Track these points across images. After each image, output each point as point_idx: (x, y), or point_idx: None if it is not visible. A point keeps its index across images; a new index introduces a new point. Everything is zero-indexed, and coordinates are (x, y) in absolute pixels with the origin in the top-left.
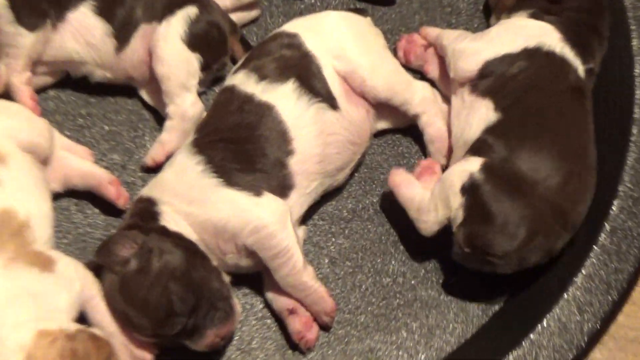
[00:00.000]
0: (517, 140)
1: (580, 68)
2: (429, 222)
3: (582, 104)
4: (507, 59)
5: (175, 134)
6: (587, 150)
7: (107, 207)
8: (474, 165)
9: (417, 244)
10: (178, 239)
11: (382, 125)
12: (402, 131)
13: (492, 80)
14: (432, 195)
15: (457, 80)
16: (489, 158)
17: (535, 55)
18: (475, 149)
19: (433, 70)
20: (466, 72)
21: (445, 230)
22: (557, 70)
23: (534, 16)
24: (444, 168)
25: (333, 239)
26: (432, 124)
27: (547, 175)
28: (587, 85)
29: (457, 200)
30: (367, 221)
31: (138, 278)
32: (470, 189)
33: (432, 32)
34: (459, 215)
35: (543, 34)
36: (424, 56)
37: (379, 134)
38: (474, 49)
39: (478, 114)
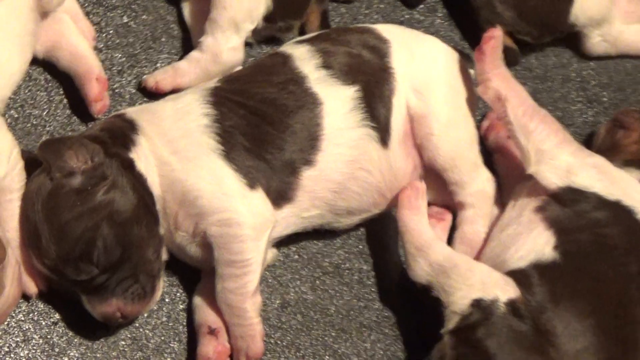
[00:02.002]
0: (565, 295)
1: None
2: (423, 268)
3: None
4: (596, 201)
5: (196, 70)
6: (637, 346)
7: (78, 105)
8: (504, 292)
9: (386, 342)
10: (139, 183)
11: None
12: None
13: (567, 212)
14: (442, 258)
15: (530, 184)
16: (525, 297)
17: (624, 216)
18: (515, 279)
19: (503, 164)
20: (546, 182)
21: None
22: (637, 250)
23: None
24: None
25: (298, 283)
26: (473, 224)
27: (582, 349)
28: None
29: (461, 307)
30: (345, 285)
31: (73, 198)
32: (484, 313)
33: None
34: (452, 321)
35: None
36: (504, 143)
37: None
38: (568, 165)
39: (532, 242)
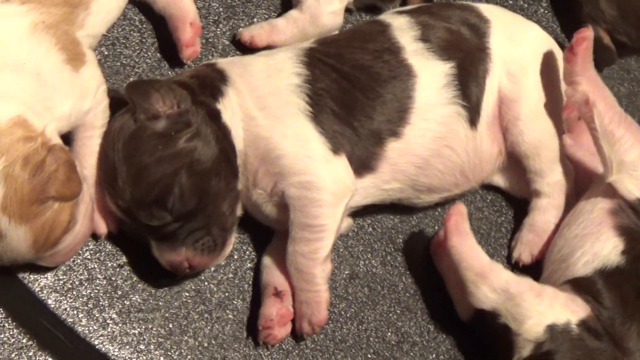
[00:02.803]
0: (632, 296)
1: None
2: (487, 295)
3: None
4: None
5: (293, 29)
6: None
7: (169, 50)
8: (575, 314)
9: (454, 335)
10: (222, 135)
11: (498, 180)
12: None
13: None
14: (507, 284)
15: (606, 184)
16: (596, 311)
17: None
18: (580, 286)
19: (576, 149)
20: (625, 193)
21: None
22: None
23: None
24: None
25: (369, 256)
26: (546, 213)
27: None
28: None
29: (535, 335)
30: (416, 265)
31: (154, 142)
32: (558, 339)
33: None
34: (526, 349)
35: None
36: (577, 124)
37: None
38: None
39: (599, 246)
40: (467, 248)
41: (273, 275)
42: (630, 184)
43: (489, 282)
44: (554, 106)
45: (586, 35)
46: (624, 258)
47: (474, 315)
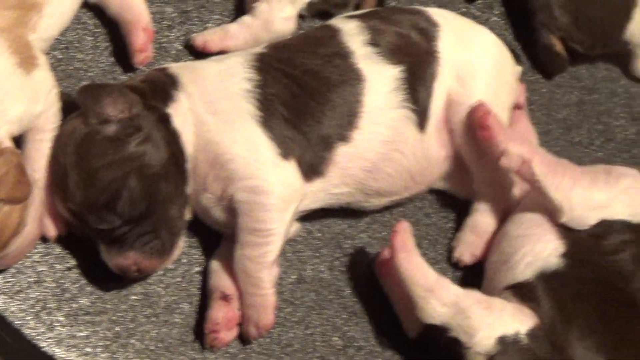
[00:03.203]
0: (570, 301)
1: None
2: (437, 310)
3: None
4: (620, 226)
5: (245, 35)
6: None
7: (122, 55)
8: (523, 323)
9: (400, 341)
10: (173, 139)
11: (445, 184)
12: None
13: (586, 234)
14: (457, 297)
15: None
16: (540, 319)
17: None
18: (522, 293)
19: None
20: (581, 227)
21: None
22: None
23: None
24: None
25: (317, 261)
26: (487, 215)
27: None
28: None
29: (486, 347)
30: (363, 270)
31: (106, 146)
32: (509, 349)
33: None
34: None
35: None
36: None
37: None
38: (600, 204)
39: (540, 246)
40: (414, 264)
41: (220, 279)
42: (584, 218)
43: (438, 296)
44: (502, 110)
45: (486, 109)
46: (564, 261)
47: (422, 332)
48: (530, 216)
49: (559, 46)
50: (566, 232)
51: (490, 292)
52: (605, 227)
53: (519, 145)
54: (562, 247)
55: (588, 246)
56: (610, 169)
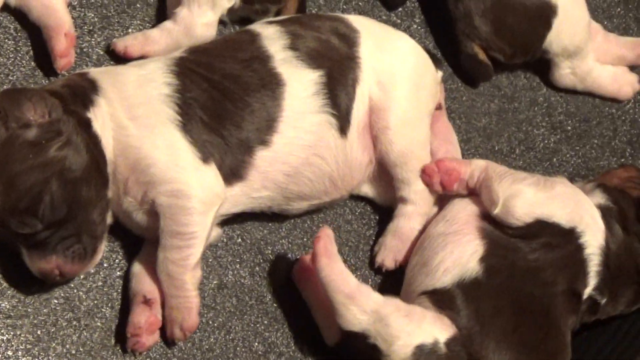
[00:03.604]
0: (489, 314)
1: (588, 288)
2: (357, 317)
3: (564, 320)
4: (549, 228)
5: (166, 40)
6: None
7: (44, 59)
8: (442, 332)
9: (320, 347)
10: (93, 143)
11: (366, 189)
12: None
13: (508, 235)
14: (377, 305)
15: (497, 218)
16: (457, 328)
17: (568, 240)
18: (441, 301)
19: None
20: (514, 221)
21: None
22: (570, 270)
23: (606, 212)
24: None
25: (238, 267)
26: (410, 220)
27: None
28: (583, 310)
29: (404, 356)
30: (283, 275)
31: (26, 150)
32: (427, 358)
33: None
34: None
35: (590, 230)
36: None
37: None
38: (533, 200)
39: (460, 250)
40: (336, 270)
41: (142, 283)
42: (519, 212)
43: (359, 303)
44: (423, 115)
45: (446, 164)
46: (482, 267)
47: (342, 339)
48: (456, 214)
49: (481, 55)
50: (488, 232)
51: (407, 296)
52: (537, 229)
53: (470, 166)
54: (482, 249)
55: (509, 247)
56: (543, 176)
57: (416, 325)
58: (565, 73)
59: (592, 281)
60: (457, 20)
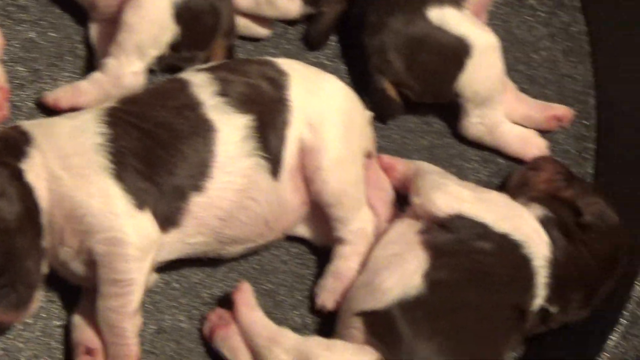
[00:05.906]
0: (426, 335)
1: (538, 300)
2: (279, 357)
3: (506, 340)
4: (483, 230)
5: (96, 91)
6: None
7: None
8: None
9: None
10: (27, 194)
11: (302, 231)
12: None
13: (449, 237)
14: (296, 343)
15: (418, 209)
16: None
17: (509, 249)
18: (373, 324)
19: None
20: (435, 210)
21: None
22: (516, 283)
23: (546, 223)
24: None
25: (175, 311)
26: (348, 260)
27: None
28: (534, 321)
29: None
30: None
31: None
32: None
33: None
34: None
35: (533, 242)
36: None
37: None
38: (457, 194)
39: (404, 267)
40: (255, 317)
41: (83, 333)
42: (438, 197)
43: (280, 344)
44: (355, 155)
45: (384, 160)
46: (425, 283)
47: None
48: (398, 234)
49: (391, 91)
50: (431, 242)
51: (344, 314)
52: (468, 229)
53: (402, 168)
54: (426, 263)
55: (454, 251)
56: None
57: (339, 357)
58: (474, 122)
59: (542, 292)
60: (371, 55)
